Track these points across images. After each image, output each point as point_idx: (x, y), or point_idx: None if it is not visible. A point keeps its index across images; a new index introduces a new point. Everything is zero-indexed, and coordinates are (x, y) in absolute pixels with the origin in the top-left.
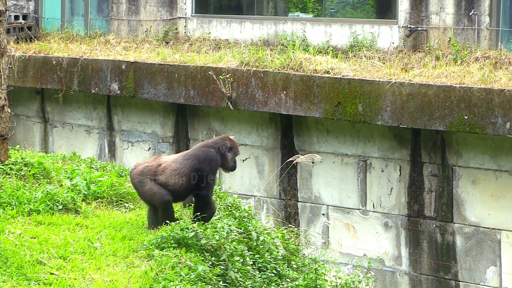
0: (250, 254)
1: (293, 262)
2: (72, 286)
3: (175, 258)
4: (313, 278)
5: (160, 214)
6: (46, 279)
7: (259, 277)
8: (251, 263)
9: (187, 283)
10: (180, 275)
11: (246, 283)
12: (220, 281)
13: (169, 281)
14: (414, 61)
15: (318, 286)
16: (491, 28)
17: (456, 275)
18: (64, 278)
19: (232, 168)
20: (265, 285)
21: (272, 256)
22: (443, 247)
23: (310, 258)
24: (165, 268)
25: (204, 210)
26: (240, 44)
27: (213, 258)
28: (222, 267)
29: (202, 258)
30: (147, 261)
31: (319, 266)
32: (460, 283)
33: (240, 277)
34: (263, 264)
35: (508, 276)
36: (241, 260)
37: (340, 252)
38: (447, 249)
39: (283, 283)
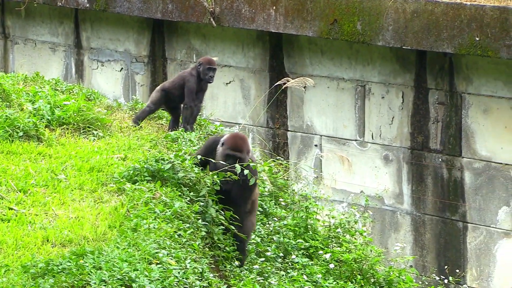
0: None
1: (281, 199)
2: (33, 222)
3: (149, 192)
4: (303, 217)
5: None
6: (4, 215)
7: None
8: None
9: (162, 221)
10: (154, 212)
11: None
12: (199, 219)
13: (141, 219)
14: None
15: (309, 226)
16: None
17: (464, 216)
18: (24, 214)
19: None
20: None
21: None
22: (450, 184)
23: (300, 195)
24: (137, 204)
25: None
26: None
27: (191, 194)
28: (202, 203)
29: (179, 193)
30: (117, 195)
31: (310, 203)
32: (469, 224)
33: (222, 215)
34: None
35: None
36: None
37: (334, 188)
38: (454, 186)
39: (270, 222)
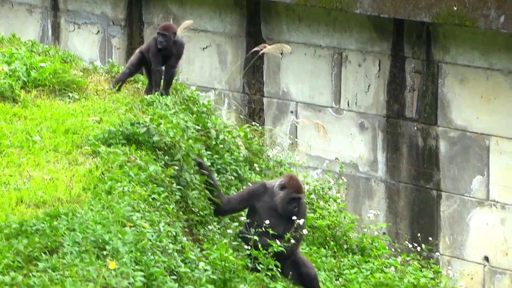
0: (208, 154)
1: (256, 165)
2: (7, 183)
3: (124, 156)
4: None
5: None
6: None
7: (217, 180)
8: (209, 164)
9: (136, 184)
10: (129, 175)
11: (203, 186)
12: (173, 183)
13: (116, 181)
14: None
15: None
16: None
17: (438, 184)
18: None
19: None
20: (224, 189)
21: (232, 157)
22: (425, 153)
23: (275, 161)
24: (112, 166)
25: None
26: None
27: (166, 158)
28: (176, 167)
29: (154, 157)
30: (92, 158)
31: (285, 169)
32: (443, 193)
33: (196, 179)
34: (223, 165)
35: (496, 187)
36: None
37: (309, 155)
38: (429, 155)
39: (244, 187)
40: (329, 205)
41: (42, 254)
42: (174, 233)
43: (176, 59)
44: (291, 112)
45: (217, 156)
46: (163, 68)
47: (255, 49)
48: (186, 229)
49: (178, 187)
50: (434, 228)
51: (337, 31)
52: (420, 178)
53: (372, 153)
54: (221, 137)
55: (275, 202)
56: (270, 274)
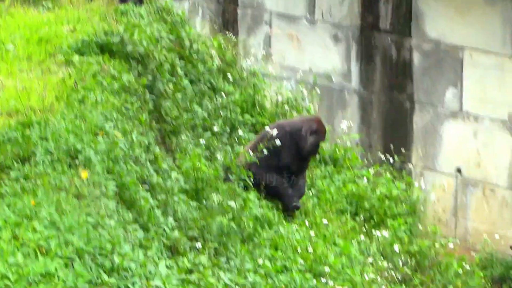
0: (182, 64)
1: (229, 75)
2: None
3: (97, 65)
4: (251, 93)
5: None
6: None
7: (191, 90)
8: (183, 73)
9: (109, 94)
10: (102, 85)
11: (176, 96)
12: (146, 92)
13: (89, 91)
14: None
15: (257, 102)
16: None
17: (411, 96)
18: None
19: (309, 152)
20: (197, 99)
21: (206, 67)
22: (399, 65)
23: (249, 71)
24: (85, 76)
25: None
26: None
27: (139, 67)
28: (150, 77)
29: (128, 67)
30: (65, 67)
31: (258, 80)
32: (416, 104)
33: (170, 88)
34: (196, 75)
35: (469, 100)
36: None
37: (283, 66)
38: (403, 67)
39: (218, 97)
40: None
41: (14, 163)
42: (146, 143)
43: None
44: (265, 22)
45: (190, 66)
46: None
47: None
48: (159, 139)
49: (151, 96)
50: (407, 140)
51: None
52: (393, 90)
53: (346, 64)
54: (195, 47)
55: (304, 145)
56: (242, 184)
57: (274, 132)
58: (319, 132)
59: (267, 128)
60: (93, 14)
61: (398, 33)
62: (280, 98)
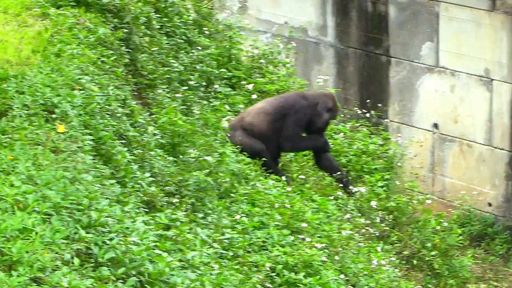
0: (158, 17)
1: (205, 28)
2: None
3: (73, 18)
4: (227, 46)
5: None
6: None
7: (166, 43)
8: (158, 27)
9: (85, 47)
10: (78, 38)
11: (152, 49)
12: (122, 45)
13: (65, 44)
14: None
15: (232, 56)
16: None
17: (387, 50)
18: None
19: (320, 128)
20: (173, 52)
21: (182, 20)
22: (375, 18)
23: (225, 24)
24: (61, 29)
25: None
26: None
27: (115, 20)
28: (126, 30)
29: (104, 20)
30: (41, 20)
31: (234, 33)
32: (392, 59)
33: (145, 42)
34: (172, 29)
35: (445, 54)
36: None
37: (259, 19)
38: (379, 20)
39: (193, 50)
40: (278, 69)
41: None
42: (123, 97)
43: None
44: None
45: (166, 19)
46: None
47: None
48: (135, 93)
49: (127, 49)
50: (384, 94)
51: None
52: (369, 44)
53: (322, 18)
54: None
55: (318, 121)
56: (219, 140)
57: (301, 102)
58: (333, 110)
59: (282, 96)
60: None
61: None
62: (256, 52)
